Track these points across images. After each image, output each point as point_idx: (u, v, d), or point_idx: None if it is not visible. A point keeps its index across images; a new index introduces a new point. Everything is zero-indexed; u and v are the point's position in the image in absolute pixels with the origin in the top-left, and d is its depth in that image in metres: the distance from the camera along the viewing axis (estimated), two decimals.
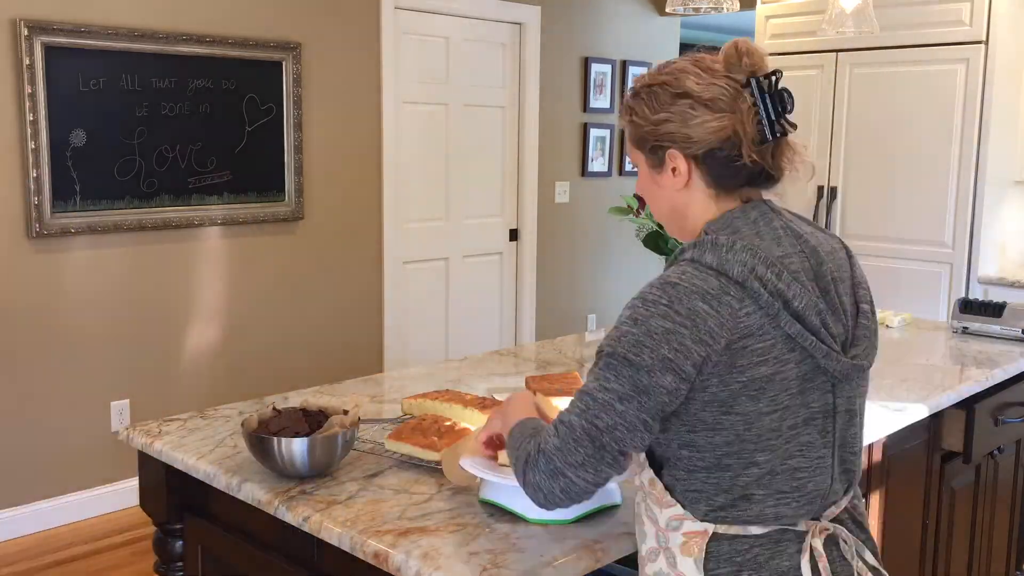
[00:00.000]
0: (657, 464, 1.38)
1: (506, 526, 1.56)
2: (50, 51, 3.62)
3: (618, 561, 1.59)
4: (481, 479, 1.62)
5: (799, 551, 1.33)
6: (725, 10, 2.69)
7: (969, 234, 4.38)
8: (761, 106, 1.33)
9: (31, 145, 3.61)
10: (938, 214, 4.46)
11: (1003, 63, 4.31)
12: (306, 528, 1.60)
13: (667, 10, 2.76)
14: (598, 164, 6.01)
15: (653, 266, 6.33)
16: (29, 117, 3.59)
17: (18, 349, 3.71)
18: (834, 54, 4.71)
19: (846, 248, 1.46)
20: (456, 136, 5.23)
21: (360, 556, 1.51)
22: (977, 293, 4.35)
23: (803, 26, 4.79)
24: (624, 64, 6.08)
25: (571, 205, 5.91)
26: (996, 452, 2.75)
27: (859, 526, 1.44)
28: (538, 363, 2.69)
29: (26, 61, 3.56)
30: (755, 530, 1.33)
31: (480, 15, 5.20)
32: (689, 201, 1.39)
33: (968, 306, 3.07)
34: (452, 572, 1.40)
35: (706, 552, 1.33)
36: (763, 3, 5.03)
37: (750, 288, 1.28)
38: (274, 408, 1.85)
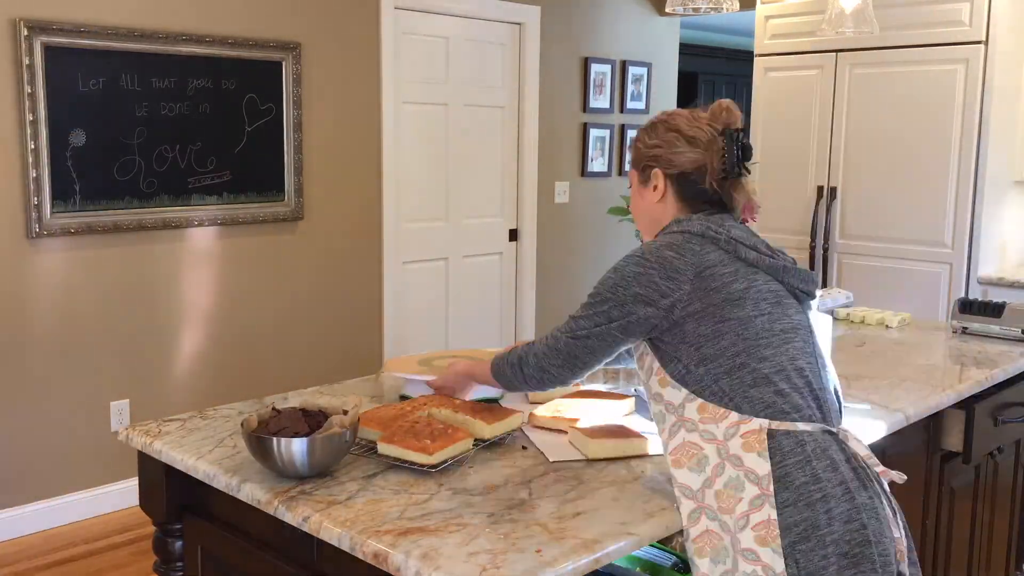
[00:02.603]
0: (691, 389, 1.64)
1: (507, 526, 1.56)
2: (50, 51, 3.62)
3: (617, 561, 1.59)
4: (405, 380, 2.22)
5: (841, 448, 1.63)
6: (725, 10, 2.69)
7: (969, 234, 4.38)
8: (728, 151, 1.74)
9: (31, 145, 3.61)
10: (938, 214, 4.46)
11: (1003, 63, 4.31)
12: (306, 528, 1.60)
13: (667, 10, 2.76)
14: (598, 164, 6.01)
15: None
16: (29, 117, 3.59)
17: (18, 349, 3.71)
18: (834, 54, 4.71)
19: None
20: (456, 136, 5.23)
21: (360, 556, 1.51)
22: (977, 293, 4.35)
23: (803, 26, 4.79)
24: (624, 64, 6.08)
25: (571, 205, 5.91)
26: (996, 452, 2.75)
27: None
28: None
29: (26, 61, 3.56)
30: (803, 427, 1.60)
31: (480, 15, 5.20)
32: (662, 211, 1.80)
33: (968, 306, 3.07)
34: (452, 572, 1.40)
35: (768, 448, 1.57)
36: (763, 3, 5.03)
37: (708, 236, 1.68)
38: (274, 408, 1.85)
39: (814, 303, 1.79)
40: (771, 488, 1.55)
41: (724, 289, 1.64)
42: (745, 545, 1.55)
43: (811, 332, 1.74)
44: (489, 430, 1.91)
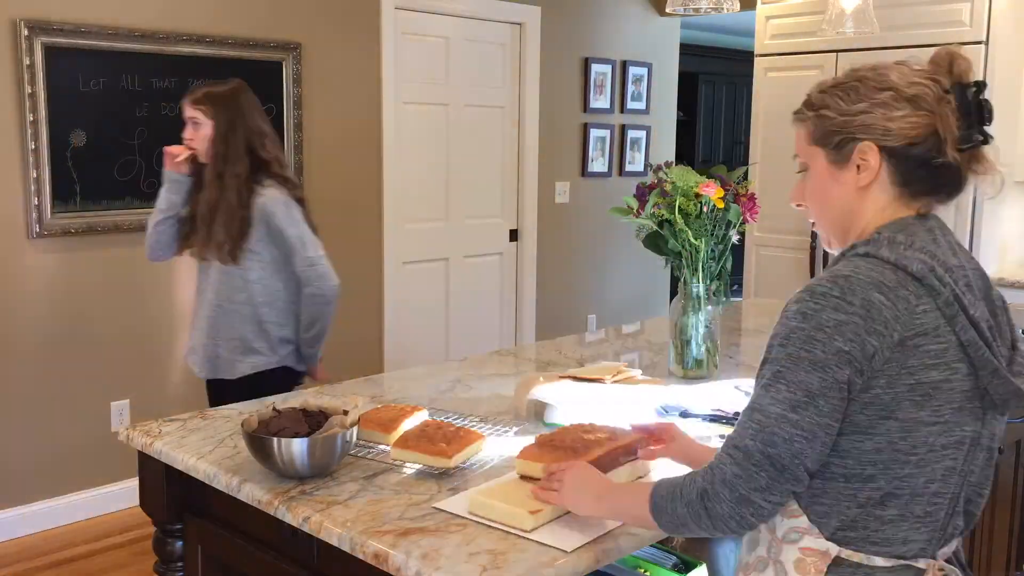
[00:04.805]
0: None
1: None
2: (50, 51, 3.62)
3: (618, 561, 1.59)
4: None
5: None
6: (725, 10, 2.69)
7: (969, 234, 4.37)
8: (963, 113, 1.30)
9: (31, 145, 3.61)
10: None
11: (1003, 63, 4.30)
12: (306, 528, 1.60)
13: (667, 10, 2.76)
14: (598, 164, 6.01)
15: (653, 266, 6.33)
16: (29, 117, 3.59)
17: (18, 349, 3.71)
18: (834, 54, 4.71)
19: (998, 292, 1.43)
20: (456, 136, 5.23)
21: (360, 556, 1.51)
22: None
23: (803, 26, 4.79)
24: (624, 64, 6.08)
25: (571, 205, 5.91)
26: (996, 453, 2.74)
27: (963, 569, 1.40)
28: (538, 363, 2.69)
29: (26, 61, 3.56)
30: (879, 562, 1.28)
31: (480, 15, 5.20)
32: (865, 203, 1.35)
33: None
34: (452, 572, 1.40)
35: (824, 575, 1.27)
36: (763, 3, 5.03)
37: (929, 285, 1.24)
38: (274, 408, 1.85)
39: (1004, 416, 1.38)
40: None
41: (918, 373, 1.22)
42: None
43: (977, 445, 1.33)
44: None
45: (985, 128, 1.32)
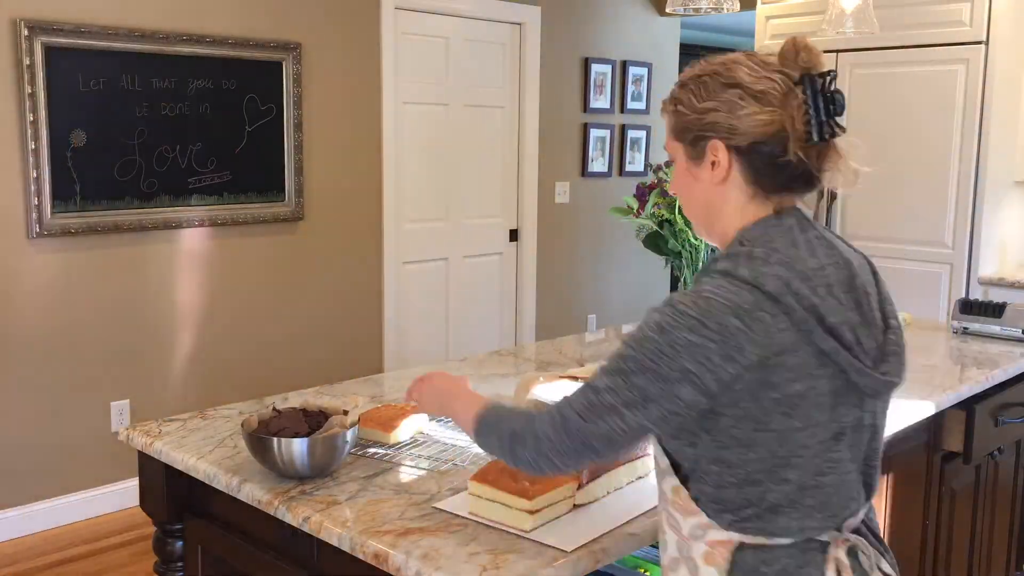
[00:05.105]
0: (683, 475, 1.35)
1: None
2: (50, 51, 3.62)
3: (618, 561, 1.59)
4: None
5: (824, 562, 1.32)
6: (725, 10, 2.69)
7: (969, 234, 4.37)
8: (812, 105, 1.29)
9: (31, 145, 3.61)
10: (938, 214, 4.45)
11: (1003, 63, 4.30)
12: (306, 528, 1.60)
13: (667, 10, 2.76)
14: (598, 164, 6.01)
15: (653, 266, 6.33)
16: (29, 117, 3.59)
17: (18, 349, 3.71)
18: (834, 54, 4.71)
19: (871, 264, 1.44)
20: (456, 136, 5.23)
21: (360, 556, 1.51)
22: (977, 293, 4.35)
23: (803, 26, 4.78)
24: (624, 64, 6.08)
25: (571, 205, 5.91)
26: (996, 452, 2.75)
27: (876, 537, 1.43)
28: (538, 363, 2.69)
29: (26, 61, 3.56)
30: (781, 541, 1.31)
31: (480, 15, 5.20)
32: (725, 198, 1.35)
33: (968, 306, 3.07)
34: (452, 572, 1.40)
35: (731, 562, 1.31)
36: (763, 3, 5.03)
37: (784, 303, 1.24)
38: (274, 408, 1.85)
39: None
40: None
41: (781, 388, 1.25)
42: None
43: (861, 428, 1.35)
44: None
45: (836, 120, 1.30)
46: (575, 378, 2.21)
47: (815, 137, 1.29)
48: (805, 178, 1.33)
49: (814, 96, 1.29)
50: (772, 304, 1.24)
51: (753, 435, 1.27)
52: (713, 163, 1.34)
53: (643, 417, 1.25)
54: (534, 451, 1.34)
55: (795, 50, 1.31)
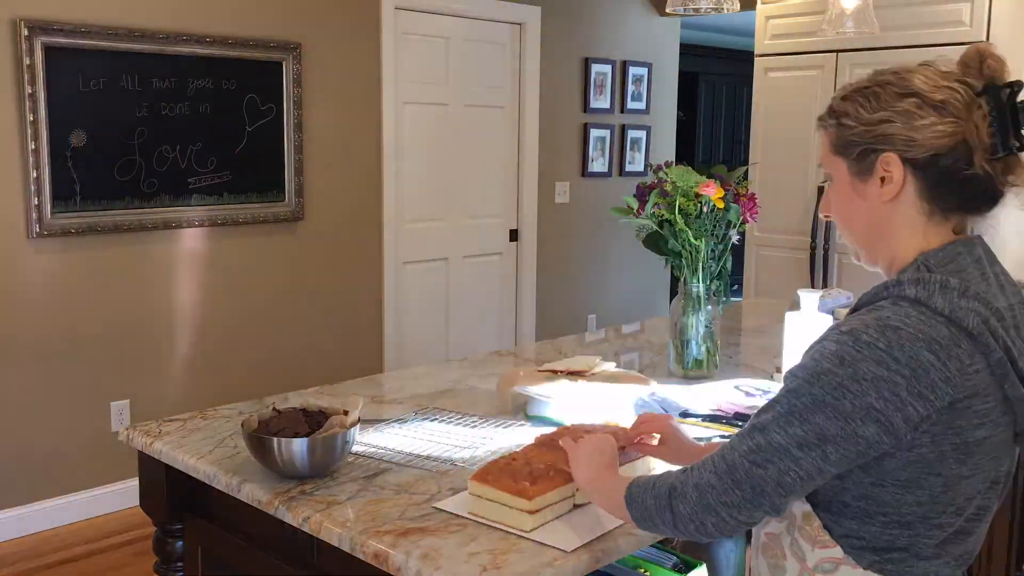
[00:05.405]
0: (817, 502, 1.26)
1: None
2: (50, 51, 3.62)
3: (618, 561, 1.58)
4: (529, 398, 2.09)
5: None
6: (725, 10, 2.68)
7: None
8: (996, 116, 1.19)
9: (31, 145, 3.61)
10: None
11: None
12: (306, 528, 1.60)
13: (667, 10, 2.76)
14: (598, 164, 6.01)
15: (653, 266, 6.33)
16: (29, 117, 3.59)
17: (18, 349, 3.71)
18: (834, 54, 4.71)
19: None
20: (456, 136, 5.23)
21: (360, 556, 1.51)
22: None
23: (803, 26, 4.79)
24: (624, 64, 6.08)
25: (571, 205, 5.91)
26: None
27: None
28: (538, 363, 2.69)
29: (26, 61, 3.56)
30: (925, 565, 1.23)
31: (480, 15, 5.20)
32: (893, 219, 1.25)
33: None
34: (452, 572, 1.40)
35: None
36: (763, 3, 5.03)
37: (983, 343, 1.14)
38: (274, 408, 1.85)
39: None
40: None
41: (964, 433, 1.15)
42: None
43: (1008, 478, 1.28)
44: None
45: (1022, 133, 1.21)
46: (555, 372, 2.21)
47: (1001, 149, 1.20)
48: (988, 195, 1.25)
49: (999, 107, 1.20)
50: (969, 342, 1.14)
51: (919, 479, 1.17)
52: (883, 178, 1.24)
53: (819, 459, 1.14)
54: (697, 504, 1.21)
55: (980, 58, 1.22)
